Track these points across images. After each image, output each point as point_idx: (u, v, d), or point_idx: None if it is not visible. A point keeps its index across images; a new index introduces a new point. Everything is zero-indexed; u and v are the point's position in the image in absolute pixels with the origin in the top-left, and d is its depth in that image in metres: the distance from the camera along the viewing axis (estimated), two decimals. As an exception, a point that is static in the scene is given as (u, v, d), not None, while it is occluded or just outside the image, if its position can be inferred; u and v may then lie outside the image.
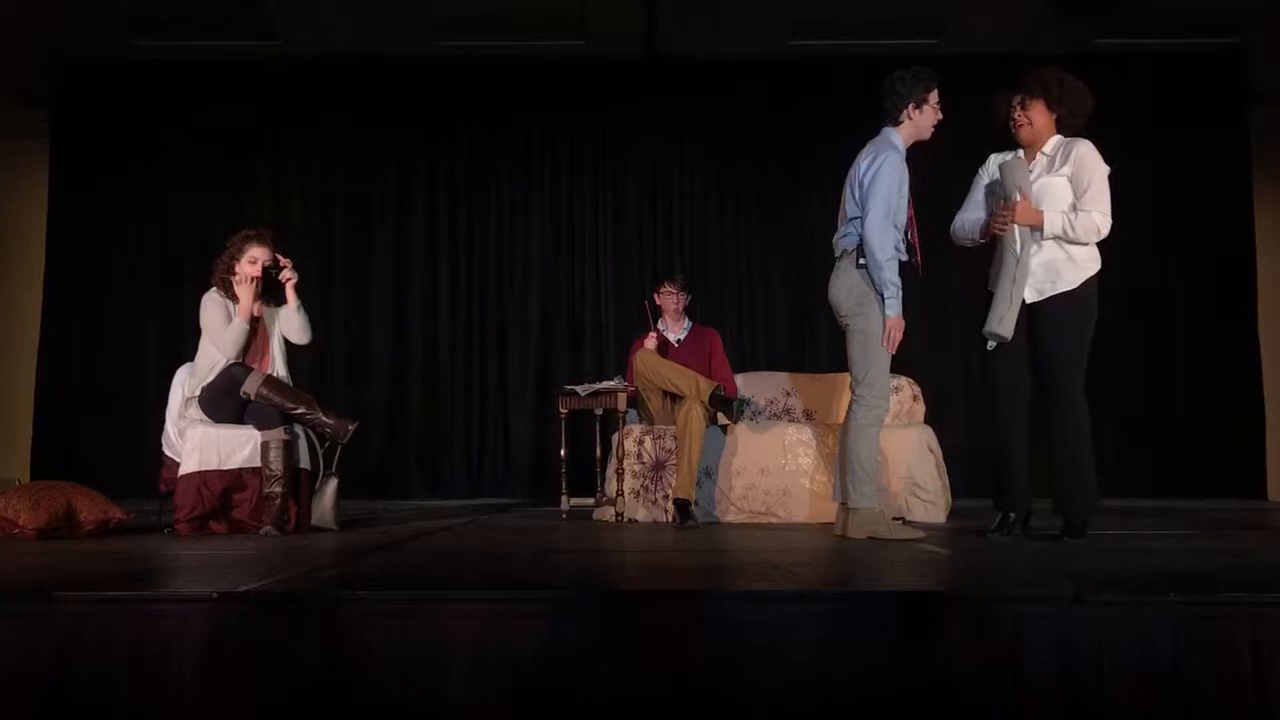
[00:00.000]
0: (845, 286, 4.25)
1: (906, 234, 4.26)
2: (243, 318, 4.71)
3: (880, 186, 4.13)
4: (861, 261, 4.19)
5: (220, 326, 4.70)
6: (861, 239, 4.17)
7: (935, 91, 4.24)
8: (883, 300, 4.16)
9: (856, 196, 4.23)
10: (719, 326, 6.21)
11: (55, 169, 8.29)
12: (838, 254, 4.32)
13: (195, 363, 4.77)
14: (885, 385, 4.27)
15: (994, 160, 4.23)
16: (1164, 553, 3.56)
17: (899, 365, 6.56)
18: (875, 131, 4.32)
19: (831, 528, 4.43)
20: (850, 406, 4.29)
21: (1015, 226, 4.03)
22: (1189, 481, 7.77)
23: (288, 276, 4.81)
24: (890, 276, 4.14)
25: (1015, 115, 4.12)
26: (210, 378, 4.66)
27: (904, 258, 4.25)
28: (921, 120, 4.24)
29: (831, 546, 3.89)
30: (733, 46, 7.97)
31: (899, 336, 4.20)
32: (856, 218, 4.22)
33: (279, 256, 4.82)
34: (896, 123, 4.26)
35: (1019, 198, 4.02)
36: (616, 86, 8.30)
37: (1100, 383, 7.61)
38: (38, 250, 8.26)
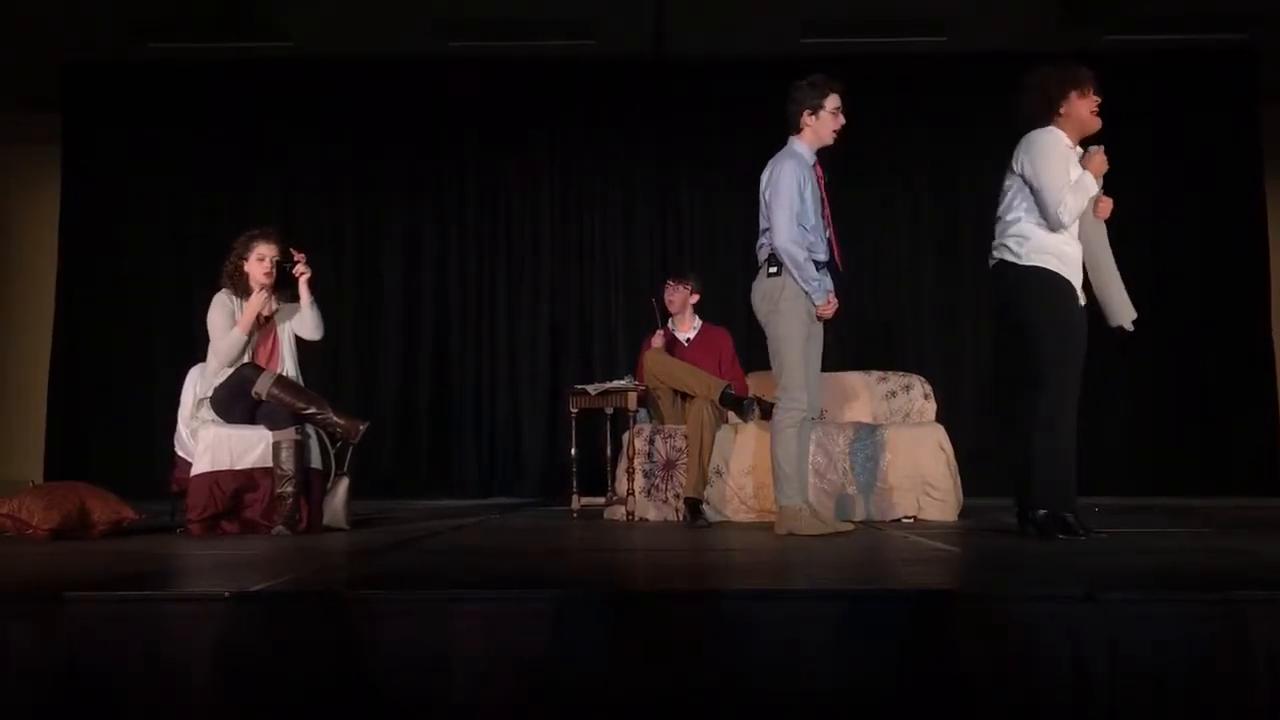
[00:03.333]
0: (759, 294, 4.42)
1: (826, 234, 4.38)
2: (242, 330, 4.69)
3: (779, 196, 4.30)
4: (772, 270, 4.35)
5: (221, 332, 4.70)
6: (773, 248, 4.34)
7: (833, 97, 4.37)
8: (796, 302, 4.28)
9: (762, 209, 4.40)
10: (729, 326, 6.20)
11: (67, 172, 8.34)
12: (760, 261, 4.46)
13: (206, 363, 4.78)
14: (797, 388, 4.32)
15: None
16: (1176, 550, 3.54)
17: (910, 363, 6.57)
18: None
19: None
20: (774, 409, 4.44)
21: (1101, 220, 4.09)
22: (1201, 479, 7.74)
23: (301, 271, 4.82)
24: (809, 274, 4.29)
25: (1096, 109, 4.07)
26: (219, 379, 4.67)
27: (823, 258, 4.37)
28: (819, 126, 4.37)
29: (842, 546, 3.89)
30: (742, 46, 7.96)
31: (830, 311, 4.37)
32: (767, 229, 4.38)
33: (292, 251, 4.82)
34: (798, 130, 4.41)
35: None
36: (626, 86, 8.31)
37: (1111, 380, 7.66)
38: (50, 253, 8.30)
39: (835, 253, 4.43)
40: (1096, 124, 4.06)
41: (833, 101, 4.36)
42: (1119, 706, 2.20)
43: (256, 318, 4.77)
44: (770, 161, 4.43)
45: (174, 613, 2.30)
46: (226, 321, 4.72)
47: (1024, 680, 2.22)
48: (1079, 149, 4.09)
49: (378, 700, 2.23)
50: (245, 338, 4.71)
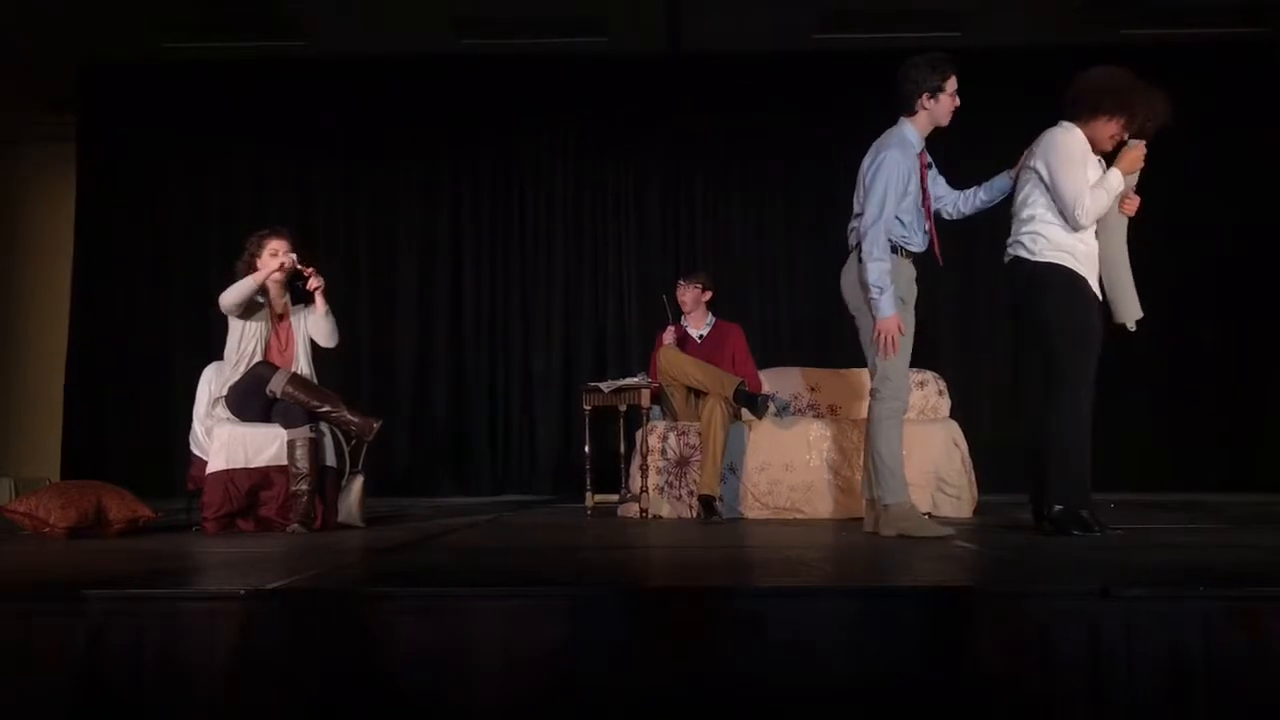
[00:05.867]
0: (850, 281, 4.19)
1: (924, 226, 4.19)
2: (254, 281, 4.67)
3: (877, 186, 4.04)
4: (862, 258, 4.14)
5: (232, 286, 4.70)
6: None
7: (953, 79, 4.08)
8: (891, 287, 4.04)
9: (859, 193, 4.17)
10: (743, 322, 6.19)
11: (82, 171, 8.37)
12: (850, 246, 4.24)
13: (224, 357, 4.80)
14: (901, 379, 4.11)
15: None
16: (1192, 546, 3.53)
17: (925, 359, 6.54)
18: (893, 120, 4.21)
19: (859, 524, 4.42)
20: (870, 402, 4.22)
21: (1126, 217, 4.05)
22: (1219, 475, 7.69)
23: (314, 285, 4.83)
24: (874, 278, 4.01)
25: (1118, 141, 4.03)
26: (235, 377, 4.69)
27: (917, 249, 4.17)
28: (937, 109, 4.10)
29: (857, 542, 3.88)
30: (755, 42, 7.94)
31: (892, 337, 4.02)
32: (859, 214, 4.15)
33: (301, 267, 4.83)
34: (911, 112, 4.13)
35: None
36: (639, 83, 8.31)
37: (1129, 375, 7.61)
38: (65, 252, 8.34)
39: (935, 245, 4.20)
40: (1106, 148, 4.01)
41: (952, 84, 4.08)
42: (1136, 703, 2.19)
43: (271, 314, 4.81)
44: (876, 143, 4.16)
45: (190, 611, 2.31)
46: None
47: (1041, 676, 2.21)
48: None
49: (393, 698, 2.23)
50: (253, 288, 4.68)
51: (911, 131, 4.13)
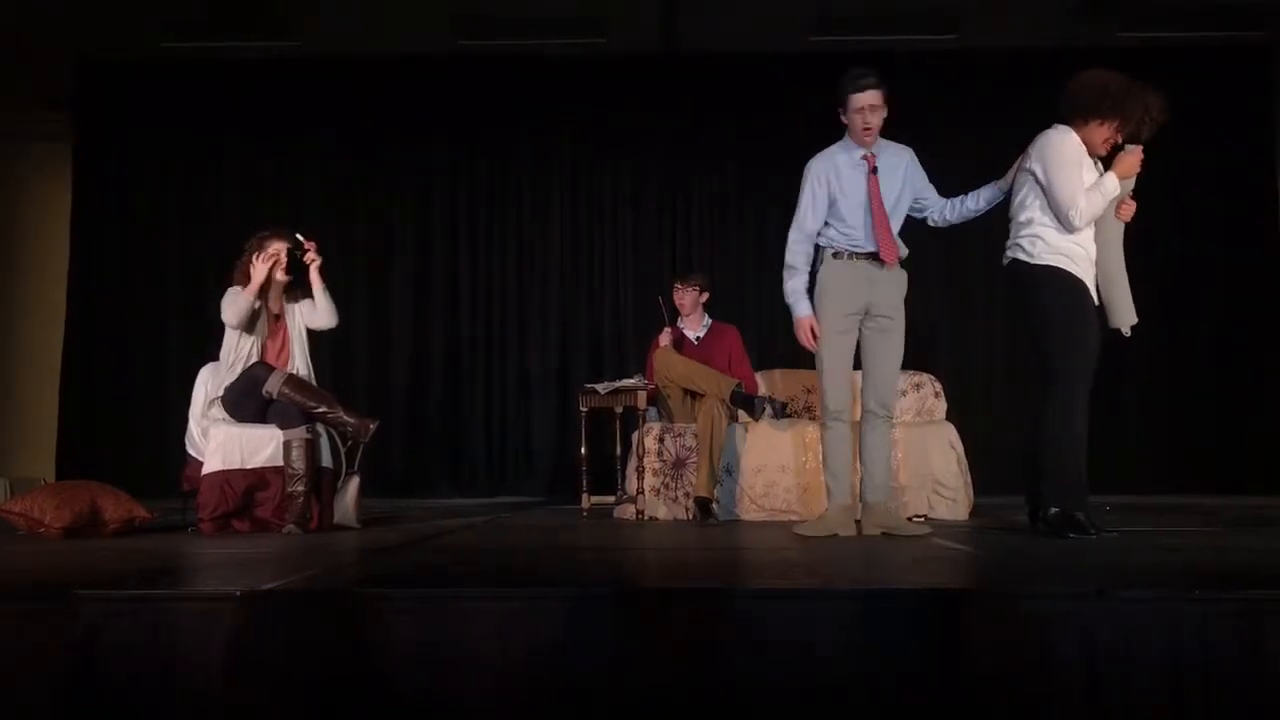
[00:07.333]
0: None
1: (870, 226, 4.17)
2: (250, 294, 4.68)
3: (802, 192, 4.23)
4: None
5: (229, 304, 4.70)
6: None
7: (854, 96, 4.11)
8: (824, 297, 4.18)
9: None
10: (739, 324, 6.19)
11: (78, 170, 8.36)
12: None
13: (220, 357, 4.79)
14: (827, 385, 4.20)
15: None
16: (1188, 549, 3.53)
17: (921, 361, 6.56)
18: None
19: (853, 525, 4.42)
20: None
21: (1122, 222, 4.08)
22: (1215, 478, 7.70)
23: (312, 258, 4.82)
24: (785, 283, 4.23)
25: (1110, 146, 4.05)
26: (231, 378, 4.68)
27: (863, 250, 4.19)
28: (849, 124, 4.20)
29: (853, 544, 3.88)
30: (752, 44, 7.95)
31: (805, 335, 4.19)
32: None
33: (301, 238, 4.81)
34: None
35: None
36: (637, 84, 8.31)
37: (1125, 378, 7.63)
38: (61, 251, 8.32)
39: (885, 246, 4.16)
40: (1100, 152, 4.02)
41: (856, 100, 4.12)
42: (1132, 704, 2.19)
43: (267, 315, 4.80)
44: None
45: (185, 611, 2.31)
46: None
47: (1036, 678, 2.21)
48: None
49: (390, 698, 2.23)
50: (254, 299, 4.69)
51: (847, 140, 4.25)
